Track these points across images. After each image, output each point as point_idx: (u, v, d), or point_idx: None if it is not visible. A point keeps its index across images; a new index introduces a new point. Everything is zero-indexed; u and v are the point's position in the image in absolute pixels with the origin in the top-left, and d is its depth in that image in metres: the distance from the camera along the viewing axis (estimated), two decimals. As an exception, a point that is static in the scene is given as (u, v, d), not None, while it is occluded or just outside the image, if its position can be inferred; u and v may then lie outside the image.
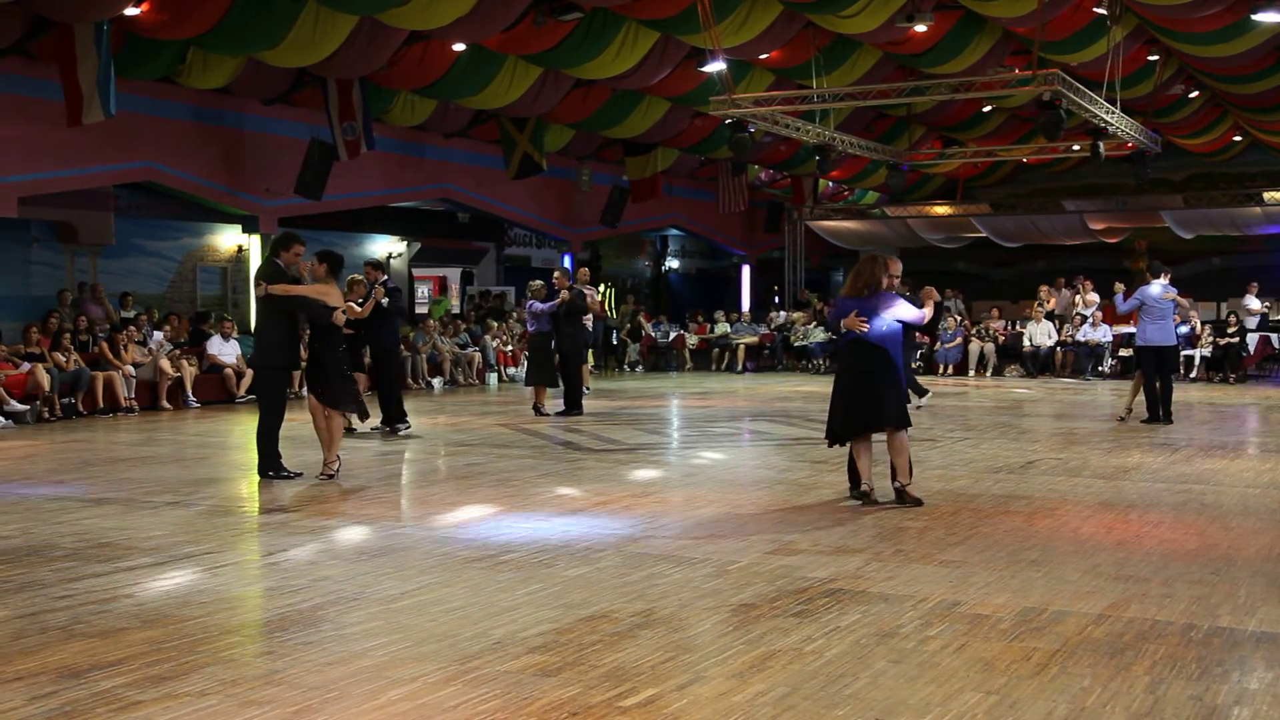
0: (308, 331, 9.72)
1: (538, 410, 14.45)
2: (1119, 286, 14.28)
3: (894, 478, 8.21)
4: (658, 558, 6.46)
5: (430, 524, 7.59)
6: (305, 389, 10.26)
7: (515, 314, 23.23)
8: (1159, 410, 13.37)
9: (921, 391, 15.49)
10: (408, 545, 6.84)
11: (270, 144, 18.87)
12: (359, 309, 11.41)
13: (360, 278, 12.41)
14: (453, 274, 27.09)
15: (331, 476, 9.40)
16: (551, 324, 14.22)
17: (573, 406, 14.53)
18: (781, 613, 5.34)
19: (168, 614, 5.34)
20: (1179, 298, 13.84)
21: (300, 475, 9.54)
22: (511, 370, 21.67)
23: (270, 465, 9.56)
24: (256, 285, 9.50)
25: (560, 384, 14.62)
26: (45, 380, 14.42)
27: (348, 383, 9.59)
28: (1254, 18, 16.97)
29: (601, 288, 29.60)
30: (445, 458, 10.93)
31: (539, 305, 14.10)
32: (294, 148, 18.64)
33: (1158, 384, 13.41)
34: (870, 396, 8.09)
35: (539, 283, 14.57)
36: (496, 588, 5.81)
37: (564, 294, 14.20)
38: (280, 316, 9.40)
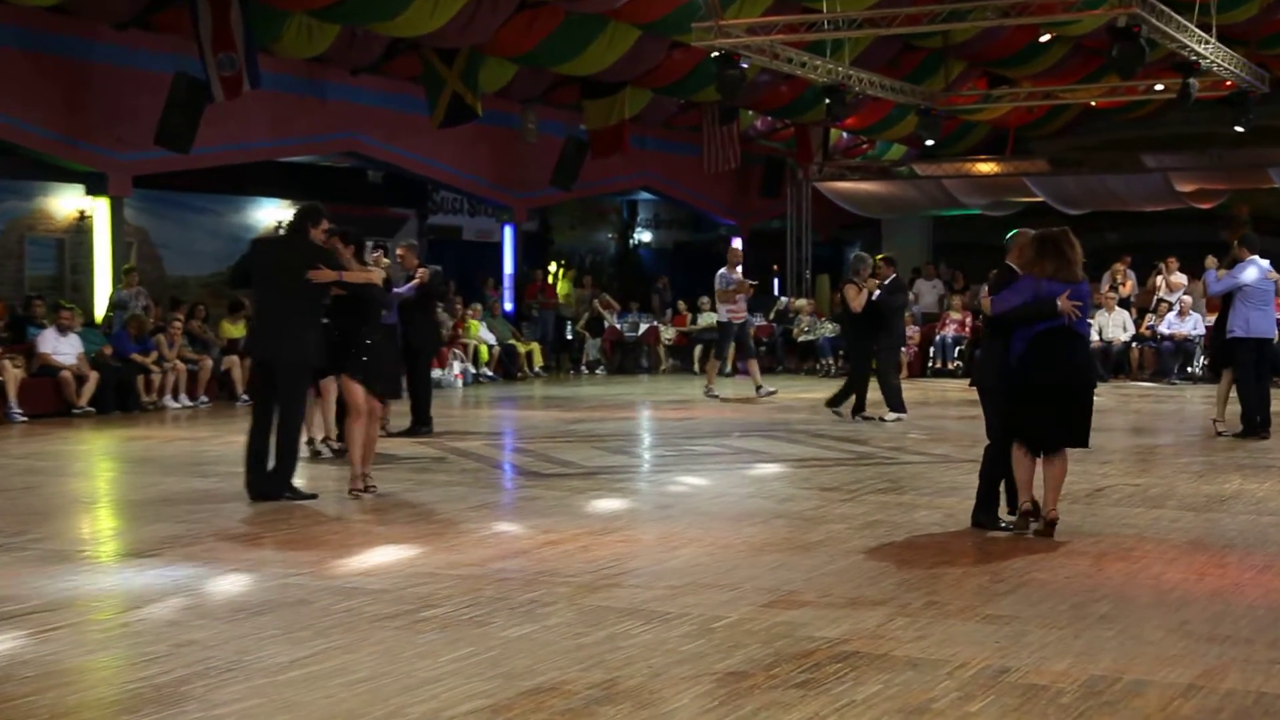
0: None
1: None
2: (1212, 261, 14.36)
3: (1035, 504, 8.52)
4: (622, 613, 6.46)
5: (329, 571, 7.54)
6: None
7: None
8: (1256, 419, 13.49)
9: (901, 407, 15.56)
10: (300, 598, 6.80)
11: (123, 80, 18.74)
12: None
13: None
14: (362, 248, 27.00)
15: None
16: (399, 313, 13.88)
17: (422, 422, 14.31)
18: (781, 683, 5.33)
19: (-16, 690, 5.29)
20: (1278, 278, 14.00)
21: (316, 496, 10.04)
22: (437, 373, 21.59)
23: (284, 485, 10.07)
24: (313, 268, 9.92)
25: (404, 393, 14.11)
26: None
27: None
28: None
29: (554, 267, 29.60)
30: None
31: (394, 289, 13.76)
32: (155, 85, 18.49)
33: (1227, 382, 13.62)
34: (1079, 409, 8.44)
35: (385, 261, 14.25)
36: (415, 653, 5.78)
37: (420, 274, 14.01)
38: (318, 306, 10.02)
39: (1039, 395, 8.37)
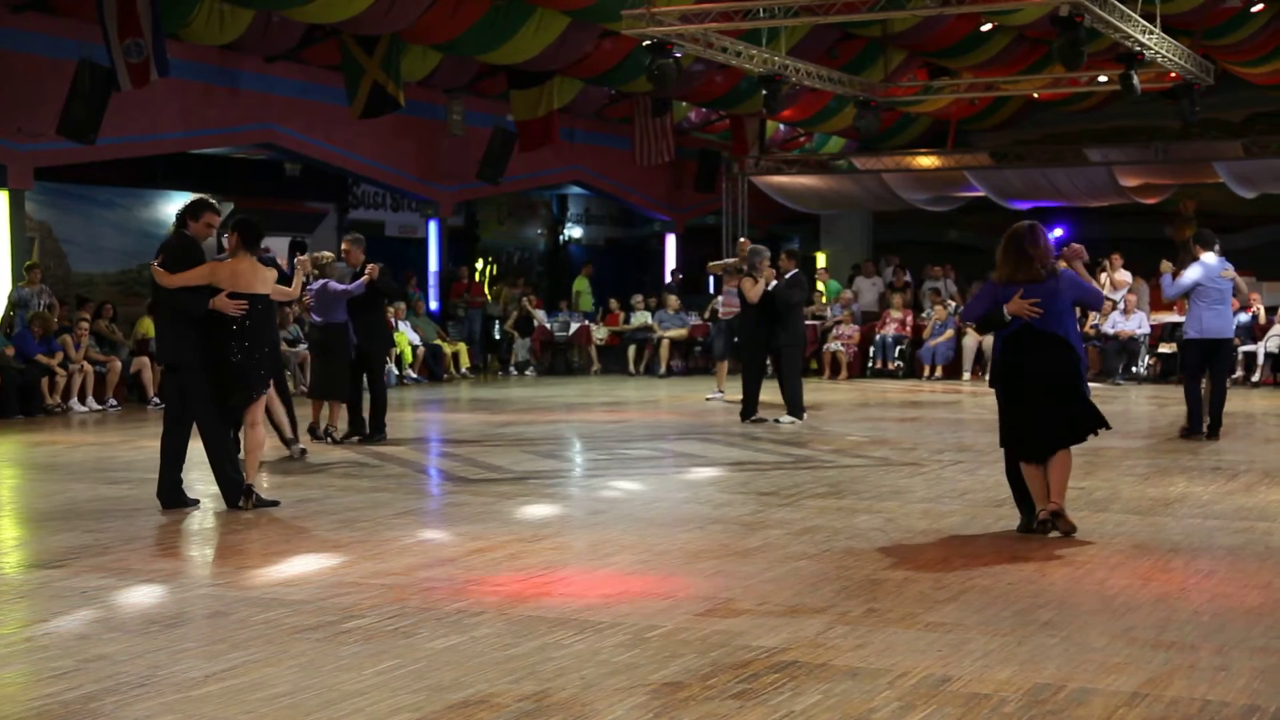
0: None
1: (321, 434, 13.94)
2: (1167, 265, 14.49)
3: (1044, 498, 8.58)
4: (553, 622, 6.47)
5: (247, 581, 7.52)
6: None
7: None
8: (1202, 420, 13.72)
9: (800, 412, 15.69)
10: (216, 610, 6.78)
11: (23, 66, 18.51)
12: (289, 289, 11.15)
13: None
14: (279, 245, 26.77)
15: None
16: (348, 312, 13.80)
17: (378, 429, 14.18)
18: (717, 694, 5.36)
19: (-119, 709, 5.23)
20: (1236, 276, 14.15)
21: (198, 503, 9.95)
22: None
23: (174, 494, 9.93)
24: (157, 258, 9.91)
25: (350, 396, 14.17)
26: None
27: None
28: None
29: (480, 264, 29.51)
30: (266, 490, 10.80)
31: (335, 286, 13.77)
32: (57, 72, 18.29)
33: (1205, 387, 13.79)
34: (1059, 409, 8.56)
35: (329, 255, 14.14)
36: (337, 666, 5.77)
37: (371, 269, 13.81)
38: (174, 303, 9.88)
39: (1014, 398, 8.62)
